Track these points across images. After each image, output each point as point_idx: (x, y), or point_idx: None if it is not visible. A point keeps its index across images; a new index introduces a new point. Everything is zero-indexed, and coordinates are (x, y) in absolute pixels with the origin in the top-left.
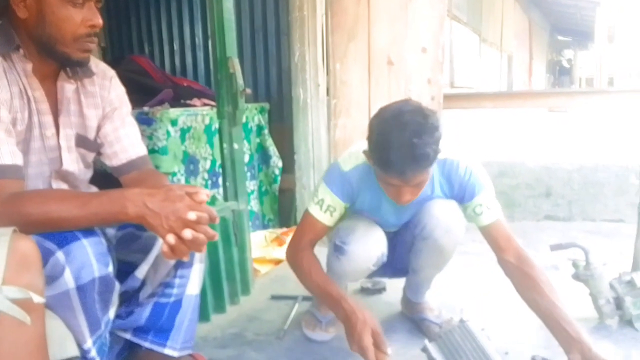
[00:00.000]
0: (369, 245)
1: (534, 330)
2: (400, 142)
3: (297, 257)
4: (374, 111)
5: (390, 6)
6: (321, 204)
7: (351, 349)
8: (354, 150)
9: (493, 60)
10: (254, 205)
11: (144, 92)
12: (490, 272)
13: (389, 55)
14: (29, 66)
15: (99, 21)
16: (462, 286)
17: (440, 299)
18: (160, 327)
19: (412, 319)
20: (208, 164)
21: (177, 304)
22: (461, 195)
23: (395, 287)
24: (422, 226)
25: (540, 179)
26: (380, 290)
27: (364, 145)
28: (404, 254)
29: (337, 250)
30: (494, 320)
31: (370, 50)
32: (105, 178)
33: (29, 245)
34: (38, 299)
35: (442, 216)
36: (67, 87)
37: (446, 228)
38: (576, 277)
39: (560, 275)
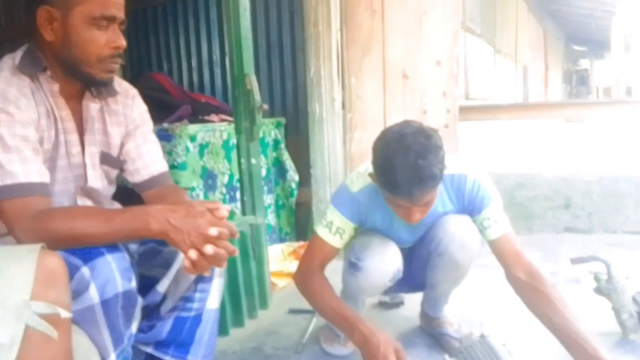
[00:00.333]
0: (385, 261)
1: (555, 345)
2: (406, 164)
3: (308, 280)
4: (389, 124)
5: (404, 21)
6: (330, 226)
7: None
8: (361, 170)
9: (508, 71)
10: (271, 218)
11: (163, 109)
12: (510, 286)
13: (404, 69)
14: (56, 87)
15: (123, 43)
16: (481, 300)
17: (459, 312)
18: (181, 341)
19: (431, 333)
20: (226, 179)
21: (198, 318)
22: (470, 208)
23: (413, 300)
24: (437, 242)
25: (558, 191)
26: (398, 304)
27: (370, 166)
28: (419, 269)
29: (352, 267)
30: (514, 334)
31: (385, 64)
32: (127, 193)
33: (56, 262)
34: (65, 314)
35: (457, 231)
36: (92, 107)
37: (461, 243)
38: (598, 291)
39: (582, 288)
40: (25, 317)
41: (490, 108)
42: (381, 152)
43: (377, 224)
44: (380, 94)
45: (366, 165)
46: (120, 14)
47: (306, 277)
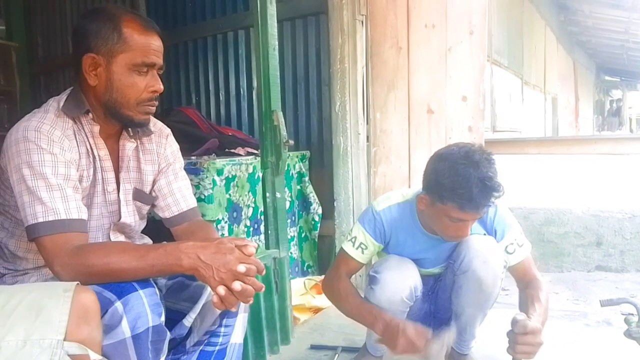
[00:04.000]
0: (402, 274)
1: None
2: (480, 178)
3: (334, 285)
4: (414, 159)
5: (429, 57)
6: (354, 241)
7: (395, 349)
8: (388, 194)
9: (537, 103)
10: (294, 251)
11: (191, 141)
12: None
13: (429, 104)
14: (96, 128)
15: (160, 87)
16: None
17: (485, 352)
18: None
19: None
20: (250, 212)
21: (222, 352)
22: (493, 233)
23: None
24: (461, 259)
25: (589, 228)
26: None
27: (400, 193)
28: (445, 302)
29: (371, 281)
30: None
31: (410, 99)
32: (154, 226)
33: (90, 298)
34: (95, 356)
35: (480, 247)
36: (128, 146)
37: (484, 259)
38: (628, 334)
39: (613, 331)
40: (58, 357)
41: (518, 142)
42: (450, 171)
43: (399, 243)
44: (405, 129)
45: (394, 192)
46: (159, 60)
47: (332, 282)
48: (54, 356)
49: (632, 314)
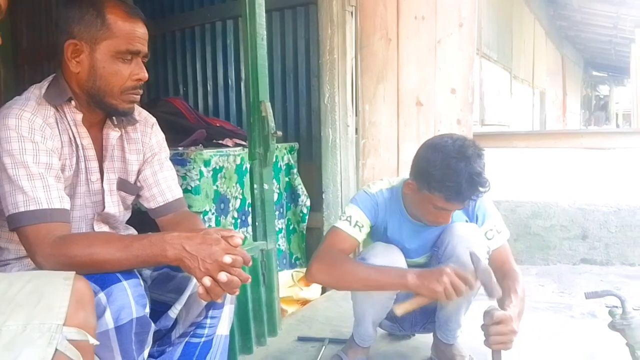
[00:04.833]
0: (389, 259)
1: None
2: (470, 173)
3: (335, 261)
4: (402, 151)
5: (418, 49)
6: (350, 220)
7: (437, 292)
8: (375, 182)
9: (525, 97)
10: (282, 243)
11: (179, 132)
12: (525, 318)
13: (418, 96)
14: (79, 116)
15: (145, 75)
16: None
17: (471, 344)
18: None
19: None
20: (238, 203)
21: (208, 344)
22: (474, 219)
23: None
24: (445, 246)
25: (575, 221)
26: (409, 335)
27: (387, 180)
28: None
29: None
30: None
31: (399, 91)
32: (140, 217)
33: (85, 286)
34: (93, 341)
35: (464, 234)
36: (112, 135)
37: (468, 245)
38: (612, 326)
39: (598, 324)
40: (57, 341)
41: (506, 135)
42: (442, 163)
43: (387, 227)
44: (394, 121)
45: (386, 179)
46: (144, 48)
47: (332, 260)
48: (52, 340)
49: (617, 306)
